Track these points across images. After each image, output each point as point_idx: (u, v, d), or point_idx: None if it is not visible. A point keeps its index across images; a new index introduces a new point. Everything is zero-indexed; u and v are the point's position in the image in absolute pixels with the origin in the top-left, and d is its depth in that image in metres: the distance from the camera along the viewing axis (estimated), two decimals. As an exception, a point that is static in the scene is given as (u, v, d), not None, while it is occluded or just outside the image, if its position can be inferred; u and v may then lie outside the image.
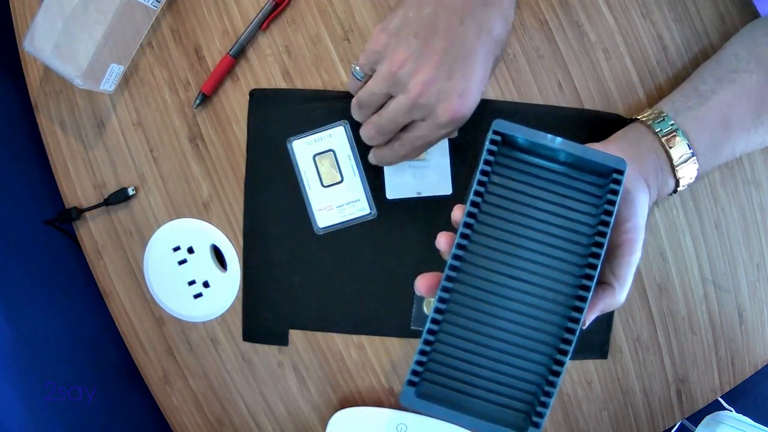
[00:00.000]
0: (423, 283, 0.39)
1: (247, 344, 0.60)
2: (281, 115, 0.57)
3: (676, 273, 0.57)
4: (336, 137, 0.56)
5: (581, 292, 0.37)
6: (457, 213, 0.39)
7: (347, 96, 0.51)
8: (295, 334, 0.60)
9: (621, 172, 0.37)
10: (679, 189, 0.47)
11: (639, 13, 0.55)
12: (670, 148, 0.45)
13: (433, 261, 0.57)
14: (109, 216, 0.60)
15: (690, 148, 0.45)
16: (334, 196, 0.56)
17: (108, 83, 0.56)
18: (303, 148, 0.56)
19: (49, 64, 0.53)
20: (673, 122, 0.46)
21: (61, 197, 0.60)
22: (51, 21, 0.51)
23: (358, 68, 0.46)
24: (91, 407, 0.60)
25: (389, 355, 0.60)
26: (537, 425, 0.36)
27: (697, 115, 0.46)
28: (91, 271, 0.61)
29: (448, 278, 0.38)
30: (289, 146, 0.56)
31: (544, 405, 0.36)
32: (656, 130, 0.46)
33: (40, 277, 0.61)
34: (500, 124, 0.37)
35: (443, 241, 0.39)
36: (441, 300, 0.38)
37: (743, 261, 0.57)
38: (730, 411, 0.59)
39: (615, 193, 0.37)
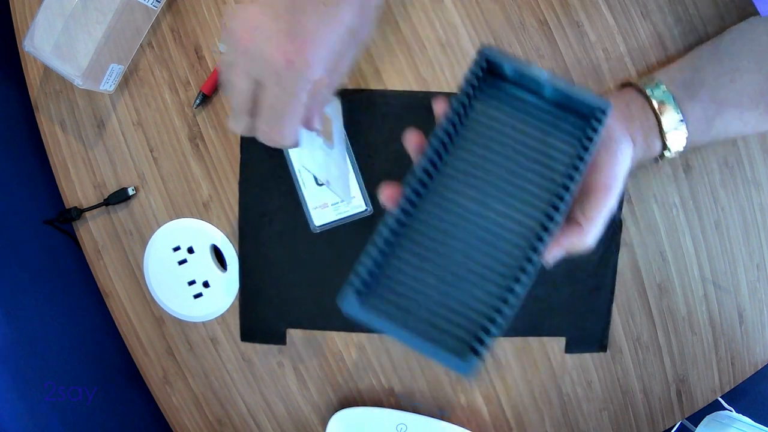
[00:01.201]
0: (388, 192, 0.37)
1: (247, 344, 0.60)
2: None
3: (676, 273, 0.57)
4: None
5: (546, 222, 0.36)
6: (440, 107, 0.38)
7: (340, 94, 0.51)
8: (294, 334, 0.60)
9: (604, 112, 0.36)
10: (667, 155, 0.47)
11: (639, 13, 0.55)
12: (661, 112, 0.45)
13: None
14: (109, 216, 0.60)
15: (680, 114, 0.45)
16: (330, 194, 0.56)
17: (108, 83, 0.56)
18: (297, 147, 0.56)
19: (49, 64, 0.53)
20: (665, 88, 0.46)
21: (61, 197, 0.60)
22: (51, 21, 0.51)
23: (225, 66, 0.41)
24: (91, 407, 0.60)
25: (389, 355, 0.59)
26: (477, 353, 0.34)
27: (690, 85, 0.47)
28: (91, 271, 0.61)
29: (414, 189, 0.36)
30: (286, 145, 0.56)
31: (488, 332, 0.35)
32: (647, 94, 0.46)
33: (40, 277, 0.61)
34: (489, 50, 0.37)
35: (413, 140, 0.38)
36: (403, 210, 0.36)
37: (743, 261, 0.57)
38: (730, 411, 0.59)
39: (595, 131, 0.36)
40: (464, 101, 0.37)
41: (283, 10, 0.38)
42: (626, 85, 0.50)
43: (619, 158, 0.41)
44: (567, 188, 0.36)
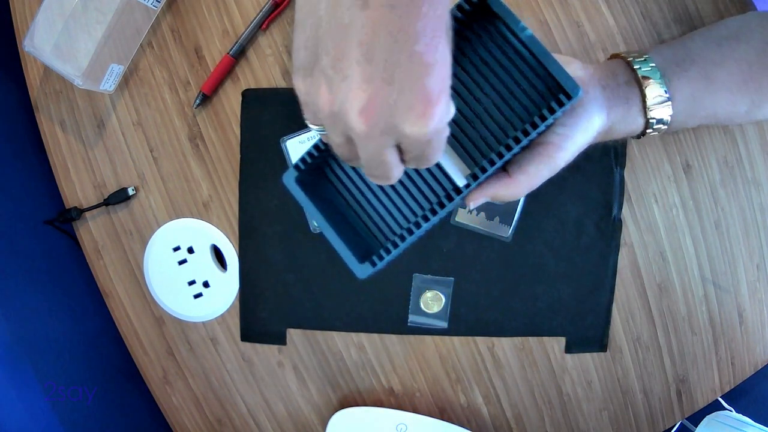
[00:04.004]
0: None
1: (247, 344, 0.60)
2: (274, 114, 0.57)
3: (676, 273, 0.57)
4: None
5: (477, 172, 0.36)
6: None
7: None
8: (294, 334, 0.60)
9: (570, 97, 0.36)
10: (650, 132, 0.46)
11: (639, 13, 0.55)
12: (646, 87, 0.45)
13: (428, 257, 0.57)
14: (109, 216, 0.60)
15: (665, 90, 0.45)
16: None
17: (108, 83, 0.56)
18: (297, 147, 0.56)
19: (49, 64, 0.53)
20: (653, 64, 0.46)
21: (61, 197, 0.60)
22: (51, 21, 0.51)
23: (312, 126, 0.34)
24: (91, 407, 0.60)
25: (389, 355, 0.59)
26: (373, 263, 0.37)
27: (680, 63, 0.46)
28: (91, 271, 0.61)
29: None
30: (282, 145, 0.56)
31: (388, 251, 0.37)
32: (635, 67, 0.46)
33: (40, 277, 0.61)
34: None
35: None
36: None
37: (743, 261, 0.57)
38: (730, 411, 0.58)
39: (553, 111, 0.36)
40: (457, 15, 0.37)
41: (393, 62, 0.27)
42: (616, 56, 0.49)
43: (580, 125, 0.41)
44: (510, 147, 0.36)
